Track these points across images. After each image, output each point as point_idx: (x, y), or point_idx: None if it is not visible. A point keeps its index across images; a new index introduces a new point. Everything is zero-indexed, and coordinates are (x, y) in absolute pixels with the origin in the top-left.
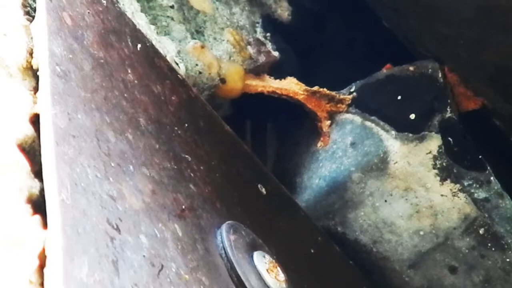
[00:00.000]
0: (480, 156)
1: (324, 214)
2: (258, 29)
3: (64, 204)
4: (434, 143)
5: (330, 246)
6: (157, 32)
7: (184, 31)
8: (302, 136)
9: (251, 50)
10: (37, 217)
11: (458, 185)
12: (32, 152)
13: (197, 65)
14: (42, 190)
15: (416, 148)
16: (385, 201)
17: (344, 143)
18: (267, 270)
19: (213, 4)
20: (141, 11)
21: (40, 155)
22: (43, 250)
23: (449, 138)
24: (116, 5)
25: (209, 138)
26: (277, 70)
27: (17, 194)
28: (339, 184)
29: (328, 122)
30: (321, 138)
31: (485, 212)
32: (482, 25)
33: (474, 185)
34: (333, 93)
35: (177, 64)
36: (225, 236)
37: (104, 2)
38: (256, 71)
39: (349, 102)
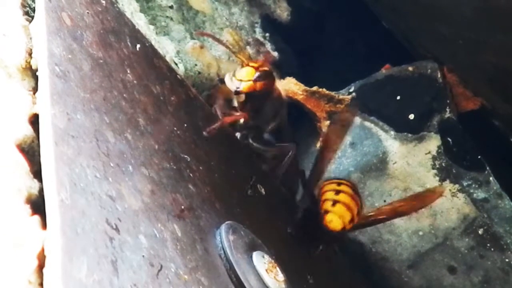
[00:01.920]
0: (479, 156)
1: None
2: (257, 29)
3: (63, 204)
4: (433, 143)
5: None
6: (156, 32)
7: (183, 31)
8: (301, 136)
9: (250, 50)
10: (36, 217)
11: (457, 185)
12: (31, 152)
13: (196, 65)
14: (41, 190)
15: (415, 148)
16: (384, 201)
17: (343, 143)
18: (266, 270)
19: (212, 4)
20: (140, 11)
21: (39, 155)
22: (42, 250)
23: (448, 138)
24: (115, 5)
25: (208, 138)
26: (276, 70)
27: (16, 194)
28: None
29: (327, 122)
30: (320, 138)
31: (484, 212)
32: (482, 25)
33: (473, 185)
34: (332, 93)
35: (176, 64)
36: (224, 237)
37: (103, 2)
38: None
39: (348, 102)
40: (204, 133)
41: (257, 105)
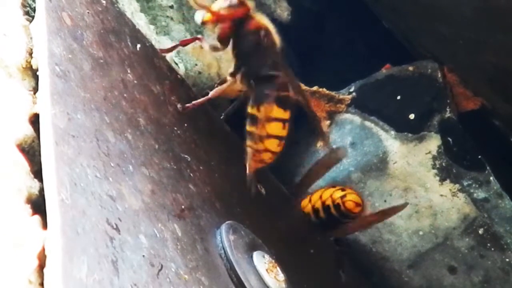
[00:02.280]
0: (479, 156)
1: None
2: None
3: (64, 204)
4: (433, 143)
5: (329, 246)
6: (156, 32)
7: (184, 31)
8: (301, 136)
9: None
10: (37, 217)
11: (457, 185)
12: (31, 152)
13: (196, 65)
14: (41, 190)
15: (415, 148)
16: (385, 201)
17: (344, 143)
18: (266, 270)
19: (213, 4)
20: (141, 11)
21: (39, 155)
22: (43, 250)
23: (449, 138)
24: (115, 5)
25: (208, 138)
26: None
27: (17, 194)
28: (339, 184)
29: (328, 122)
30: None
31: (485, 212)
32: (482, 25)
33: (474, 185)
34: (333, 93)
35: (176, 64)
36: (225, 236)
37: (104, 2)
38: None
39: (349, 102)
40: (159, 51)
41: (231, 37)
